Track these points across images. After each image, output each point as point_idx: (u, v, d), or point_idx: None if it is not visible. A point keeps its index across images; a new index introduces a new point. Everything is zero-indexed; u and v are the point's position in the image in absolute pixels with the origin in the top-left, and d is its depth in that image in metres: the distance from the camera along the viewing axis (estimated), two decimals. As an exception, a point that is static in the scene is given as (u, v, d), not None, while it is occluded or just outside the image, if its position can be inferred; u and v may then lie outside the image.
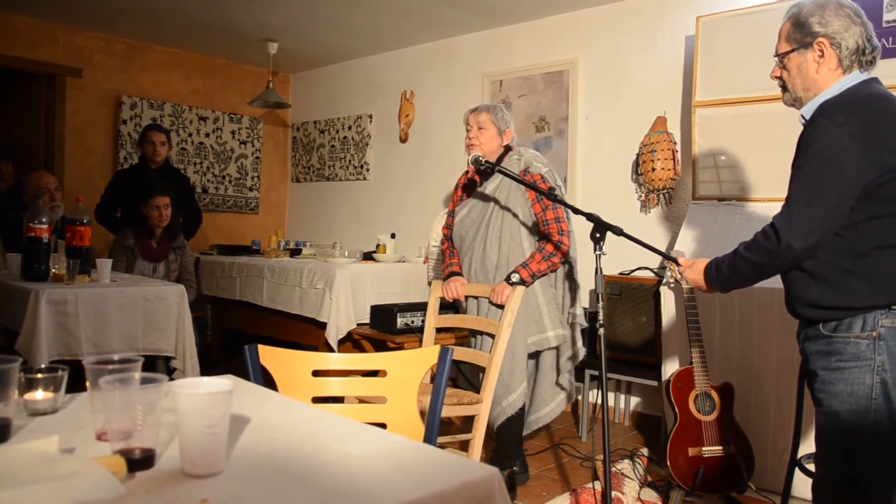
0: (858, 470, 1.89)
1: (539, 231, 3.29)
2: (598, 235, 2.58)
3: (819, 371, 1.96)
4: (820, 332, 1.96)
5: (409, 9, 5.11)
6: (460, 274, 3.46)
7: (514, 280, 3.18)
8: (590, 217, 2.61)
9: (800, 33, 1.99)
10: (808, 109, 2.00)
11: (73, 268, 3.32)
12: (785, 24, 2.05)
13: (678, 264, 2.35)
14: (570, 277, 3.42)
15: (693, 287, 2.28)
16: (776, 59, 2.08)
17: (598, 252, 2.58)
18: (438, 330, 3.90)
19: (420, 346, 3.53)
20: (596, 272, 2.57)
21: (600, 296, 2.58)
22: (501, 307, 3.11)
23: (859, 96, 1.91)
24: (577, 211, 2.73)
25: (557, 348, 3.42)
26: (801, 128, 2.06)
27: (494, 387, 2.81)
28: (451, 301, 3.40)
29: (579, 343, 3.46)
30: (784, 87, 2.09)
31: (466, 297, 3.39)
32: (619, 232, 2.55)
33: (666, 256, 2.55)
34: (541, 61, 5.18)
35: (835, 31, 1.94)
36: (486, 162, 3.19)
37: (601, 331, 2.56)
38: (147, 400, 1.04)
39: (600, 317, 2.56)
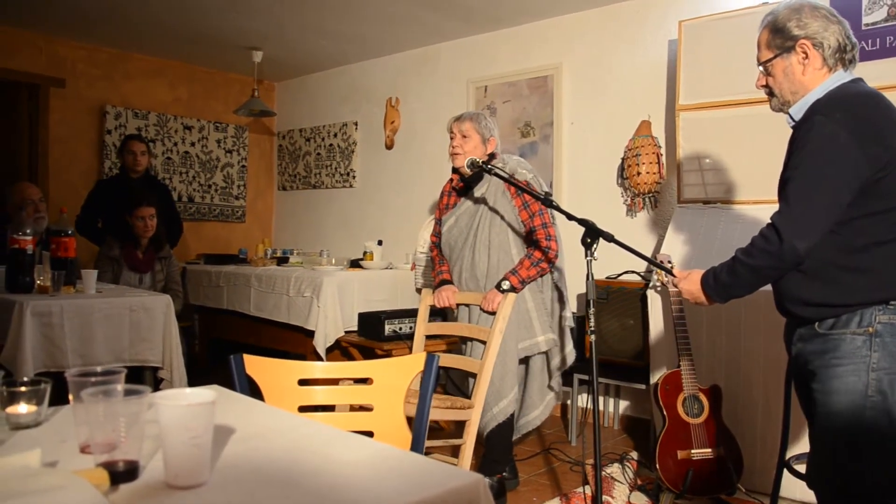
0: (861, 471, 1.86)
1: (526, 237, 3.30)
2: (589, 240, 2.54)
3: (817, 370, 1.94)
4: (815, 331, 1.94)
5: (393, 16, 5.12)
6: (451, 282, 3.46)
7: (504, 287, 3.19)
8: (582, 222, 2.59)
9: (780, 39, 2.01)
10: (797, 110, 2.01)
11: (58, 279, 3.30)
12: (763, 33, 2.07)
13: (672, 275, 2.29)
14: (559, 282, 3.44)
15: (692, 301, 2.19)
16: (760, 67, 2.10)
17: (588, 258, 2.55)
18: (428, 337, 3.89)
19: (410, 353, 3.52)
20: (587, 278, 2.54)
21: (591, 302, 2.53)
22: (493, 314, 3.12)
23: (852, 94, 1.92)
24: (570, 217, 2.69)
25: (547, 352, 3.44)
26: (787, 129, 2.08)
27: (486, 393, 2.81)
28: (441, 308, 3.40)
29: (569, 346, 3.47)
30: (771, 94, 2.10)
31: (458, 305, 3.40)
32: (610, 238, 2.52)
33: (659, 267, 2.51)
34: (525, 67, 5.20)
35: (814, 31, 1.96)
36: (483, 163, 3.17)
37: (592, 338, 2.52)
38: (130, 411, 1.03)
39: (591, 323, 2.52)
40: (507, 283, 3.21)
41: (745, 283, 2.01)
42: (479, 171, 3.27)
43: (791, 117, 2.04)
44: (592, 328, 2.54)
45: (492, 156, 3.38)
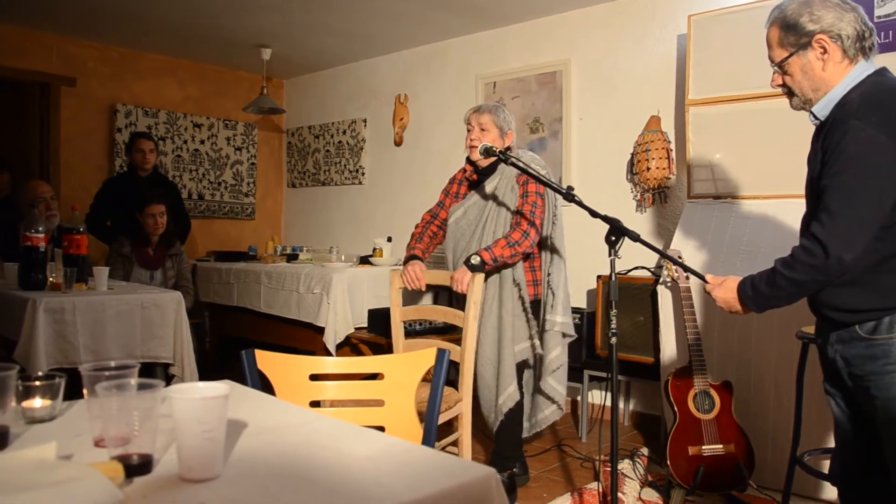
0: None
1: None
2: (613, 238, 2.45)
3: (869, 377, 1.87)
4: (857, 334, 1.87)
5: (401, 13, 5.12)
6: (420, 258, 3.35)
7: (473, 262, 3.08)
8: (607, 219, 2.50)
9: (793, 36, 1.90)
10: (822, 108, 1.92)
11: (71, 276, 3.32)
12: (772, 31, 1.96)
13: (705, 281, 2.18)
14: (552, 284, 3.37)
15: (726, 309, 2.10)
16: (774, 67, 1.99)
17: (612, 257, 2.45)
18: (435, 332, 3.87)
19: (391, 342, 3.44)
20: (610, 277, 2.45)
21: (614, 303, 2.45)
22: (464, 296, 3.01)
23: (885, 90, 1.83)
24: (594, 213, 2.59)
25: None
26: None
27: (471, 383, 2.78)
28: (412, 290, 3.27)
29: (555, 351, 3.36)
30: (790, 93, 1.99)
31: (429, 287, 3.30)
32: (636, 238, 2.44)
33: (692, 272, 2.36)
34: (533, 62, 5.19)
35: (830, 23, 1.85)
36: (501, 152, 3.11)
37: (614, 340, 2.45)
38: (144, 406, 1.04)
39: (613, 325, 2.44)
40: (478, 258, 3.08)
41: (786, 295, 1.92)
42: (495, 159, 3.22)
43: (815, 116, 1.95)
44: (614, 330, 2.44)
45: (508, 149, 3.36)
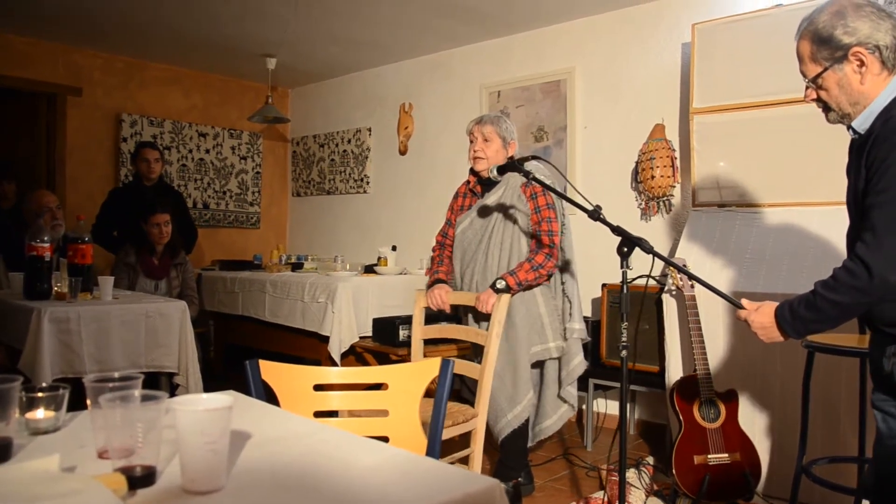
0: None
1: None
2: (625, 250, 2.42)
3: None
4: None
5: (406, 21, 5.13)
6: (445, 281, 3.40)
7: (499, 287, 3.12)
8: (617, 231, 2.47)
9: (827, 50, 1.82)
10: (862, 122, 1.85)
11: (76, 286, 3.33)
12: (802, 45, 1.88)
13: (740, 307, 2.08)
14: (569, 293, 3.40)
15: (765, 339, 1.99)
16: (807, 82, 1.90)
17: (624, 269, 2.42)
18: (441, 342, 3.88)
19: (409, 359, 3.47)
20: (622, 289, 2.42)
21: (625, 315, 2.41)
22: (488, 316, 3.06)
23: None
24: (614, 230, 2.53)
25: (560, 360, 3.40)
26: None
27: (489, 399, 2.78)
28: (437, 310, 3.34)
29: (578, 358, 3.40)
30: (826, 108, 1.91)
31: (460, 308, 3.35)
32: (649, 250, 2.39)
33: (727, 299, 2.23)
34: (538, 71, 5.20)
35: (866, 35, 1.77)
36: (517, 162, 3.07)
37: (624, 353, 2.43)
38: (147, 417, 1.04)
39: (623, 337, 2.42)
40: (503, 282, 3.13)
41: (828, 318, 1.83)
42: (515, 171, 3.16)
43: (854, 130, 1.88)
44: (625, 342, 2.42)
45: (511, 159, 3.36)
